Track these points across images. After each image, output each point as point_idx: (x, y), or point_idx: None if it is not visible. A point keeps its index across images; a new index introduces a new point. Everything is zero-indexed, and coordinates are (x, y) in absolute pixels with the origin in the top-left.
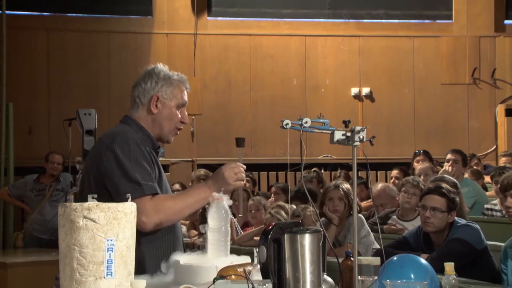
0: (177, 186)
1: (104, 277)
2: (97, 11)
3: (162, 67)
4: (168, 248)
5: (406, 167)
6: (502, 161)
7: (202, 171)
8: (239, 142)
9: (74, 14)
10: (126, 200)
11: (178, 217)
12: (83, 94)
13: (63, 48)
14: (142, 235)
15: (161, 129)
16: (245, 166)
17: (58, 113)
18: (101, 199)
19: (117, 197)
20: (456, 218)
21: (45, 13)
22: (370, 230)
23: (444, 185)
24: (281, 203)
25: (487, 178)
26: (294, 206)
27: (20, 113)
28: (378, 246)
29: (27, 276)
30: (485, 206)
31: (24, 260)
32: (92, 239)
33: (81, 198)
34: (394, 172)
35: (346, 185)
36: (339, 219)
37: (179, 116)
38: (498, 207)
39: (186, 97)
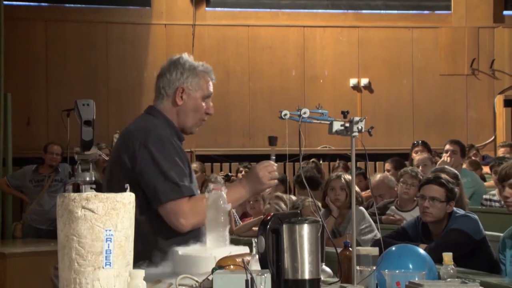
0: None
1: (103, 267)
2: (96, 1)
3: (187, 57)
4: None
5: (400, 158)
6: (501, 152)
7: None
8: (272, 140)
9: (72, 5)
10: (162, 200)
11: None
12: (81, 84)
13: (61, 38)
14: (172, 236)
15: (186, 121)
16: (276, 164)
17: (56, 103)
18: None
19: (153, 196)
20: (455, 209)
21: (43, 4)
22: (373, 223)
23: (443, 175)
24: (280, 194)
25: (486, 169)
26: (293, 197)
27: (19, 103)
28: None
29: (25, 266)
30: (484, 196)
31: (23, 250)
32: (91, 229)
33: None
34: (387, 165)
35: (348, 176)
36: (341, 209)
37: (204, 107)
38: (496, 198)
39: (211, 88)
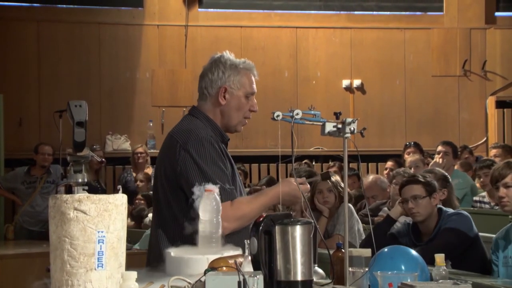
0: None
1: (95, 269)
2: (88, 2)
3: (228, 55)
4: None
5: (400, 159)
6: (493, 153)
7: None
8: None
9: (64, 6)
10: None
11: (250, 222)
12: (73, 85)
13: (53, 39)
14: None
15: (230, 120)
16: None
17: (48, 104)
18: (175, 200)
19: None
20: (443, 208)
21: (35, 4)
22: (358, 219)
23: (419, 173)
24: None
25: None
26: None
27: (11, 104)
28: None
29: (17, 268)
30: (474, 198)
31: (15, 252)
32: (83, 231)
33: (155, 198)
34: (389, 164)
35: (335, 177)
36: (330, 210)
37: (248, 105)
38: (486, 199)
39: (254, 86)
